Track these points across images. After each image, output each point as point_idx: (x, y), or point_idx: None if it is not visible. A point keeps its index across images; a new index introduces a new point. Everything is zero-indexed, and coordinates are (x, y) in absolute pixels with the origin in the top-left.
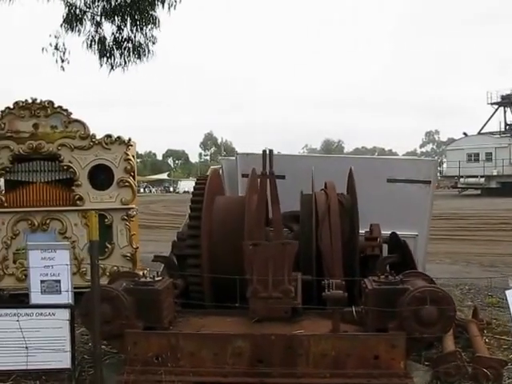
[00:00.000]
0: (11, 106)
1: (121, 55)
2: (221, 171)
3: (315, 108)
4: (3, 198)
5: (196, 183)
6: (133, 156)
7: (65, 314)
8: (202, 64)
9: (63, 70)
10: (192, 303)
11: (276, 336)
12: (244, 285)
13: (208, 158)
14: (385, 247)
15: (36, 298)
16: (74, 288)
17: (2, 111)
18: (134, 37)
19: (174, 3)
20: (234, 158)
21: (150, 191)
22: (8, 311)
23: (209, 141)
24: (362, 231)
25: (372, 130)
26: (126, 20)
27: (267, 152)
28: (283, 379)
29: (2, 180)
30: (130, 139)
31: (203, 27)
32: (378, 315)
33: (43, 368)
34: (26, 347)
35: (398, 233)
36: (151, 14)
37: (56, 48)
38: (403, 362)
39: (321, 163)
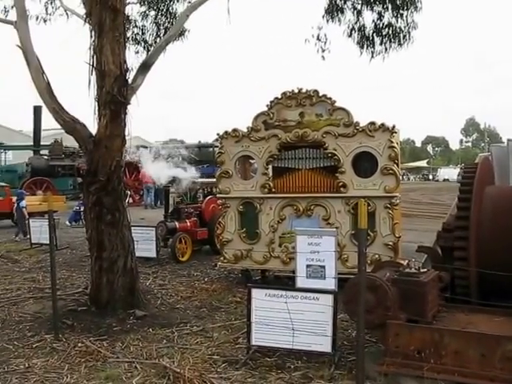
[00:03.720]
0: (279, 96)
1: (381, 43)
2: (490, 159)
3: None
4: (271, 184)
5: (464, 172)
6: (397, 143)
7: (328, 299)
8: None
9: (323, 59)
10: (457, 298)
11: None
12: None
13: (469, 144)
14: None
15: (302, 281)
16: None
17: (271, 101)
18: (396, 21)
19: None
20: (504, 144)
21: (409, 179)
22: (276, 292)
23: (470, 127)
24: None
25: None
26: (387, 6)
27: None
28: None
29: (270, 167)
30: (393, 126)
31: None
32: None
33: (305, 349)
34: (292, 328)
35: None
36: None
37: (318, 39)
38: None
39: None
